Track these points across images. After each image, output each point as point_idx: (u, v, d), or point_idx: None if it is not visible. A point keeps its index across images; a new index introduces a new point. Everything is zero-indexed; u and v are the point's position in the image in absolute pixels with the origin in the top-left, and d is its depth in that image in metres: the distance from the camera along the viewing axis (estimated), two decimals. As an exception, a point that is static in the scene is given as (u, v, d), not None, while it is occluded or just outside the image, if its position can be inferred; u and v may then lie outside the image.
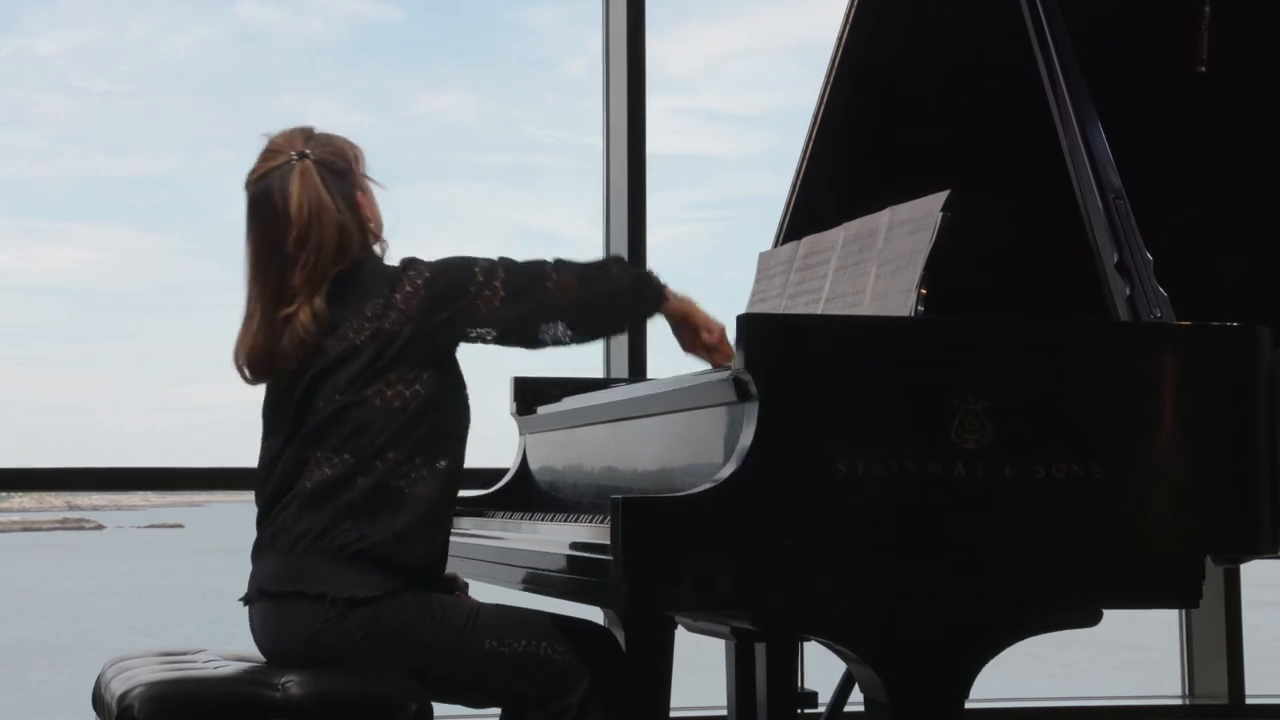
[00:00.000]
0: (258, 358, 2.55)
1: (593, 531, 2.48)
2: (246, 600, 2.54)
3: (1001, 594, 2.22)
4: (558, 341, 2.57)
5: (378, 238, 2.62)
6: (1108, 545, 2.23)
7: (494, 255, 2.54)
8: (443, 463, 2.51)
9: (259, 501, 2.58)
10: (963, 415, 2.19)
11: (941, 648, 2.22)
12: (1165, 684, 5.12)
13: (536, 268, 2.53)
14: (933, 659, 2.22)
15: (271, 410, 2.60)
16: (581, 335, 2.58)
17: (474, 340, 2.54)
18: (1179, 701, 4.91)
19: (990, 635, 2.24)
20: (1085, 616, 2.26)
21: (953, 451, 2.18)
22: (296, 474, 2.50)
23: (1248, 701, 4.79)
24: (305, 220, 2.53)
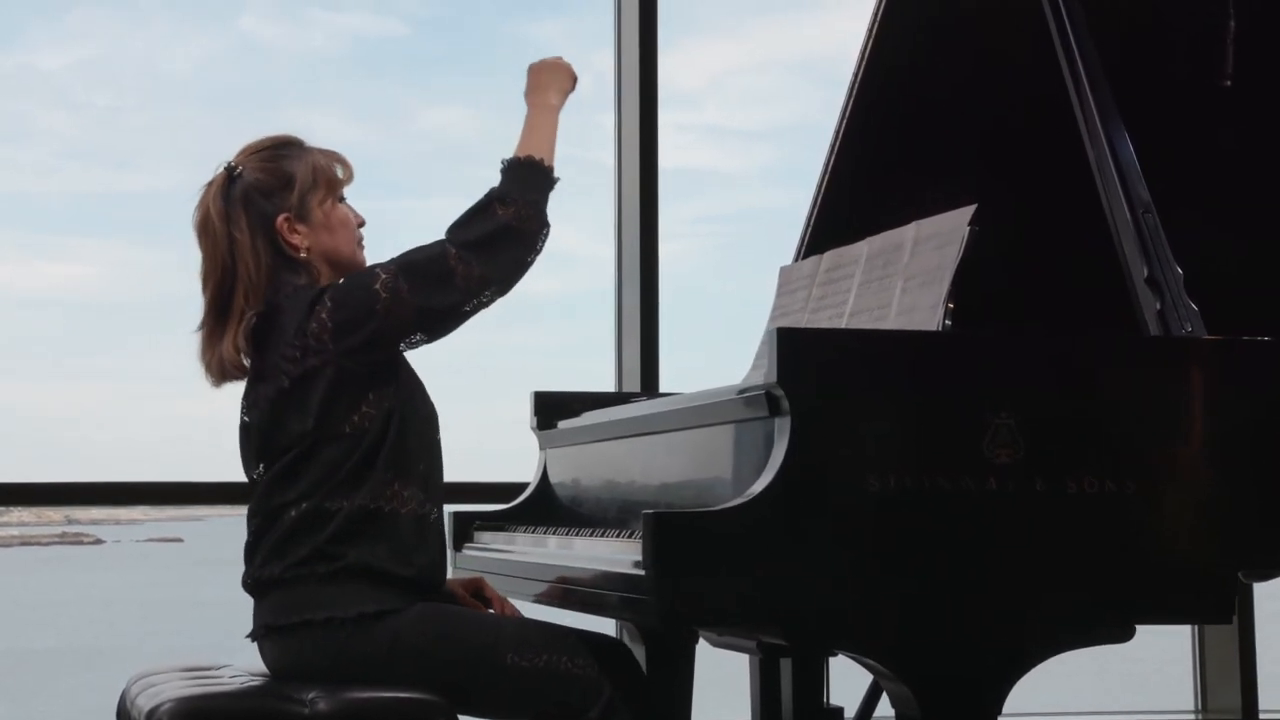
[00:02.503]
0: (201, 361, 2.57)
1: (624, 547, 2.48)
2: (254, 637, 2.53)
3: (1035, 609, 2.21)
4: (484, 307, 2.49)
5: (317, 269, 2.55)
6: (1140, 560, 2.23)
7: (394, 258, 2.46)
8: (421, 466, 2.50)
9: (246, 540, 2.56)
10: (994, 430, 2.19)
11: (975, 663, 2.21)
12: (1176, 696, 5.12)
13: (441, 265, 2.42)
14: (966, 674, 2.21)
15: (242, 452, 2.60)
16: (505, 291, 2.49)
17: (407, 348, 2.49)
18: (1191, 715, 4.91)
19: (1024, 650, 2.23)
20: (1118, 632, 2.26)
21: (984, 466, 2.18)
22: (276, 514, 2.48)
23: (1261, 716, 4.79)
24: (196, 235, 2.56)
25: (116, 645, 12.57)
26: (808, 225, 3.31)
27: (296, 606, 2.43)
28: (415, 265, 2.44)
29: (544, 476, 3.27)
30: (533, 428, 3.30)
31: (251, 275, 2.50)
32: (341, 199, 2.60)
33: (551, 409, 3.24)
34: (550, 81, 2.64)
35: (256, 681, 2.52)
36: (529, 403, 3.30)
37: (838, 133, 3.27)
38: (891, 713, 2.34)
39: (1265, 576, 2.34)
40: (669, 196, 4.60)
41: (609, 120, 4.72)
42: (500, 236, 2.45)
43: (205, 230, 2.54)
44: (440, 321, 2.47)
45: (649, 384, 4.47)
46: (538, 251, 2.50)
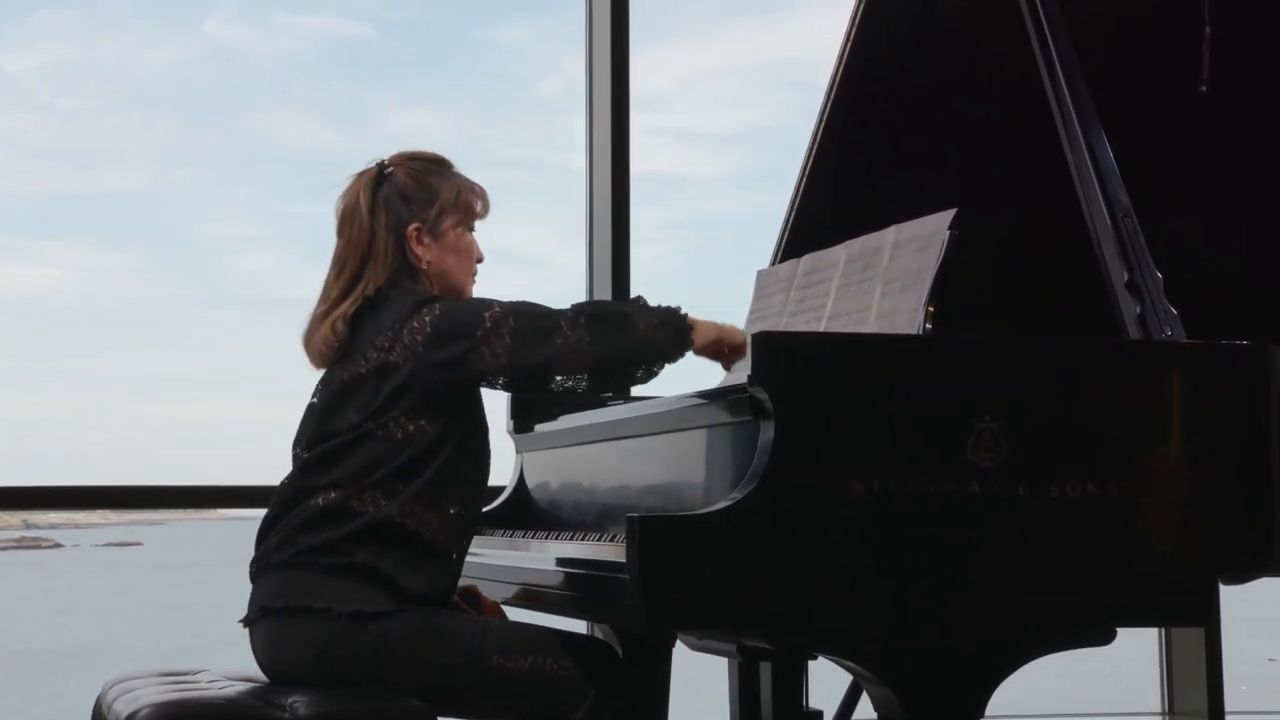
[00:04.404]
0: (303, 343, 2.63)
1: (604, 550, 2.48)
2: (248, 621, 2.53)
3: (1017, 612, 2.22)
4: (571, 391, 2.57)
5: (430, 284, 2.61)
6: (1122, 563, 2.24)
7: (514, 300, 2.52)
8: (453, 509, 2.52)
9: (264, 517, 2.58)
10: (978, 433, 2.20)
11: (957, 666, 2.22)
12: (1143, 697, 5.14)
13: (550, 320, 2.49)
14: (949, 677, 2.22)
15: (301, 424, 2.64)
16: (596, 386, 2.56)
17: (485, 386, 2.55)
18: (1158, 716, 4.94)
19: (1005, 653, 2.24)
20: (1099, 635, 2.27)
21: (968, 470, 2.19)
22: (303, 496, 2.51)
23: (1227, 717, 4.81)
24: (339, 220, 2.64)
25: (78, 649, 12.49)
26: (785, 228, 3.31)
27: (296, 592, 2.44)
28: (528, 312, 2.50)
29: (520, 480, 3.26)
30: (509, 431, 3.29)
31: (379, 270, 2.58)
32: (471, 229, 2.67)
33: (528, 412, 3.24)
34: (722, 330, 2.63)
35: (235, 686, 2.51)
36: (505, 406, 3.29)
37: (815, 136, 3.27)
38: (869, 715, 2.35)
39: (1243, 579, 2.35)
40: (636, 200, 4.60)
41: (578, 124, 4.72)
42: (619, 324, 2.50)
43: (352, 218, 2.62)
44: (525, 374, 2.50)
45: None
46: (641, 366, 2.53)
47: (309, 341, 2.61)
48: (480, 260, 2.69)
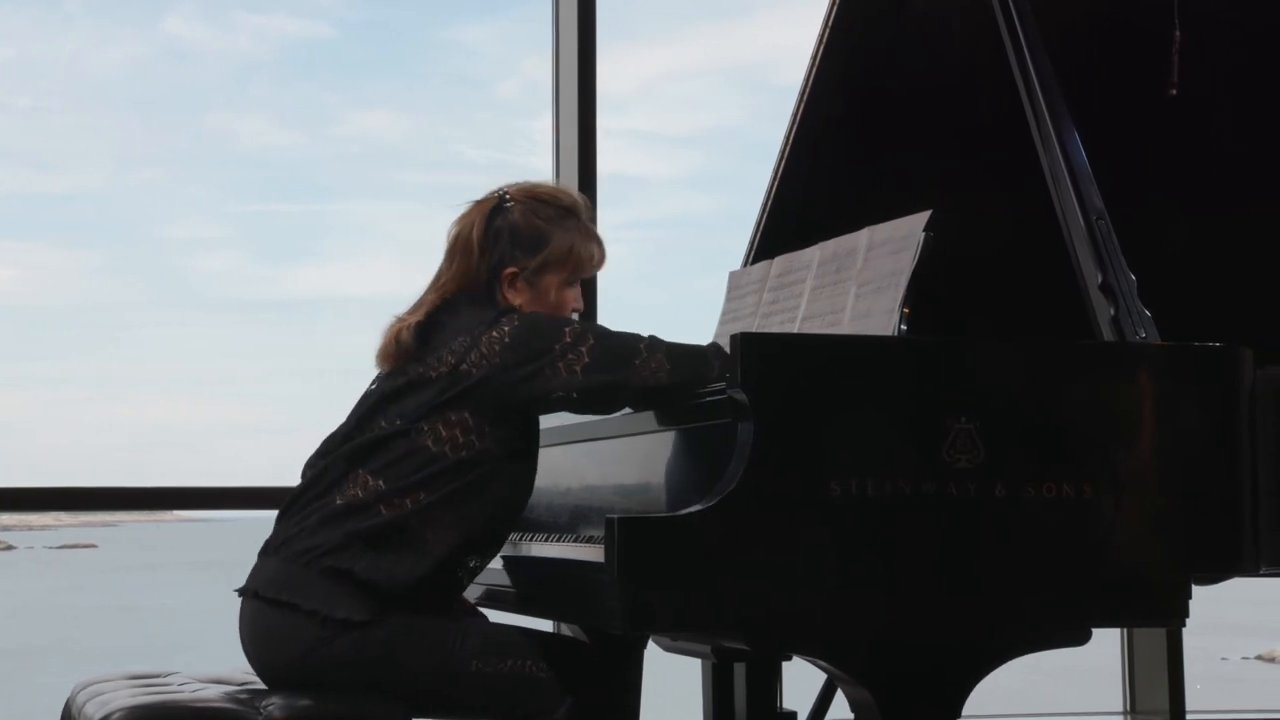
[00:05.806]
0: (381, 334, 2.60)
1: (580, 551, 2.47)
2: (242, 592, 2.52)
3: (993, 613, 2.23)
4: (635, 411, 2.55)
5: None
6: (1096, 564, 2.25)
7: (591, 323, 2.49)
8: (475, 526, 2.48)
9: (290, 497, 2.56)
10: (955, 435, 2.21)
11: (934, 667, 2.23)
12: (1105, 697, 5.18)
13: (629, 343, 2.46)
14: (926, 678, 2.23)
15: (352, 411, 2.60)
16: (661, 404, 2.51)
17: (555, 403, 2.50)
18: (1120, 716, 4.98)
19: (982, 654, 2.25)
20: (1074, 635, 2.28)
21: (945, 471, 2.20)
22: (332, 485, 2.49)
23: (1188, 716, 4.86)
24: (449, 245, 2.61)
25: (32, 651, 12.40)
26: (757, 229, 3.31)
27: (289, 587, 2.43)
28: (609, 333, 2.47)
29: (492, 481, 3.24)
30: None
31: (469, 294, 2.56)
32: (574, 284, 2.63)
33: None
34: None
35: (208, 688, 2.50)
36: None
37: (787, 137, 3.27)
38: (844, 716, 2.36)
39: (1215, 579, 2.37)
40: (598, 202, 4.60)
41: (539, 125, 4.72)
42: (696, 358, 2.46)
43: (463, 246, 2.59)
44: (597, 392, 2.46)
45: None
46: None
47: (383, 334, 2.58)
48: (578, 312, 2.64)
